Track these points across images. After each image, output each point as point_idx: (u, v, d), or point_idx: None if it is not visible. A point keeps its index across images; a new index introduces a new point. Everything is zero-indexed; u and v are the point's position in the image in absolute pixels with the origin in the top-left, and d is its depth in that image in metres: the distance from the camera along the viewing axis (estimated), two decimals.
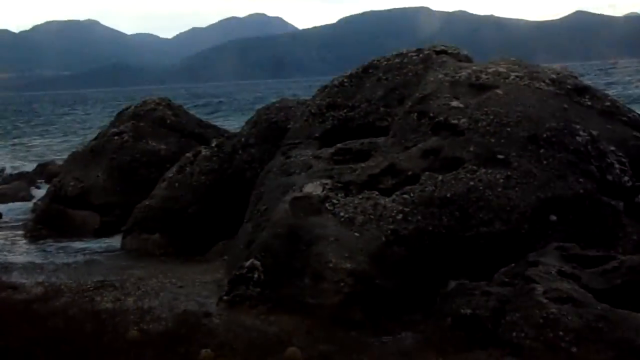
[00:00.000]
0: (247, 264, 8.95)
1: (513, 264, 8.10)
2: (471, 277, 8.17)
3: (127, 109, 18.01)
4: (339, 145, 10.73)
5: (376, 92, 11.57)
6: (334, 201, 9.36)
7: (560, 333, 6.56)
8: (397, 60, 11.98)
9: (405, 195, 9.17)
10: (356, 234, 8.88)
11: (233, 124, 37.13)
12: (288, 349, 6.60)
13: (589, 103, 10.48)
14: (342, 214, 9.16)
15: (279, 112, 13.29)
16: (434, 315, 7.54)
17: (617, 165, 9.50)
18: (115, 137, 16.61)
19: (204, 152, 13.85)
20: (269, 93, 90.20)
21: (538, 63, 11.85)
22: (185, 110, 18.12)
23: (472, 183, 9.07)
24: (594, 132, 9.71)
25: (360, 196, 9.37)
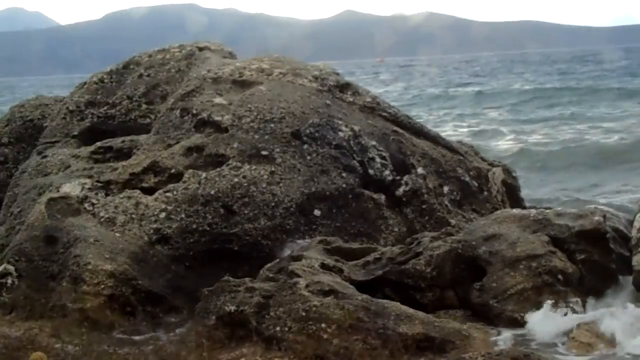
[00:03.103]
0: (0, 269, 8.44)
1: (278, 259, 8.15)
2: (240, 275, 8.14)
3: None
4: (98, 143, 10.39)
5: (138, 89, 11.29)
6: (94, 201, 9.03)
7: (323, 325, 6.63)
8: (159, 56, 11.75)
9: (168, 194, 8.99)
10: (117, 234, 8.61)
11: None
12: (33, 354, 6.30)
13: (351, 99, 10.73)
14: (102, 214, 8.86)
15: (34, 110, 12.58)
16: (198, 313, 7.41)
17: (378, 160, 9.78)
18: None
19: None
20: (26, 90, 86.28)
21: (310, 62, 11.99)
22: None
23: (236, 179, 9.04)
24: (356, 128, 9.95)
25: (121, 195, 9.08)
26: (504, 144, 25.03)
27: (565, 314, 7.20)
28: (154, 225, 8.73)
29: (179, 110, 10.08)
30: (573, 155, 21.40)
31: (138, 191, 9.16)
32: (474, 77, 76.16)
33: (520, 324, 7.17)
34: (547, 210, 8.66)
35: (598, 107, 35.81)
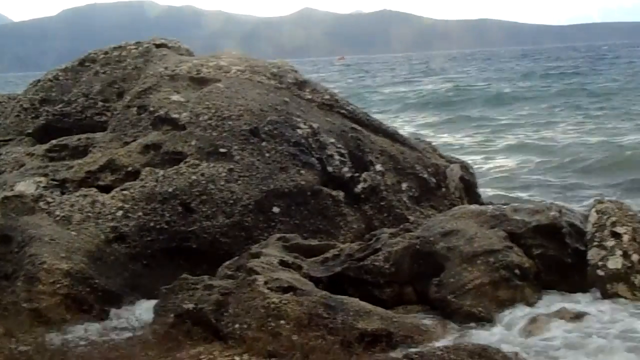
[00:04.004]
0: None
1: (237, 257, 8.12)
2: (198, 273, 8.09)
3: None
4: (53, 141, 10.28)
5: (94, 86, 11.20)
6: (49, 199, 8.92)
7: (282, 322, 6.61)
8: (115, 53, 11.65)
9: (125, 192, 8.92)
10: (73, 232, 8.52)
11: None
12: None
13: (309, 96, 10.73)
14: (57, 212, 8.75)
15: None
16: (156, 312, 7.35)
17: (337, 157, 9.78)
18: None
19: None
20: None
21: (269, 59, 11.93)
22: None
23: (194, 177, 8.99)
24: (315, 125, 9.95)
25: (77, 194, 9.00)
26: None
27: (522, 308, 7.26)
28: (111, 224, 8.66)
29: (135, 108, 10.01)
30: None
31: (94, 189, 9.08)
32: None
33: (478, 318, 7.21)
34: (504, 206, 8.73)
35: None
